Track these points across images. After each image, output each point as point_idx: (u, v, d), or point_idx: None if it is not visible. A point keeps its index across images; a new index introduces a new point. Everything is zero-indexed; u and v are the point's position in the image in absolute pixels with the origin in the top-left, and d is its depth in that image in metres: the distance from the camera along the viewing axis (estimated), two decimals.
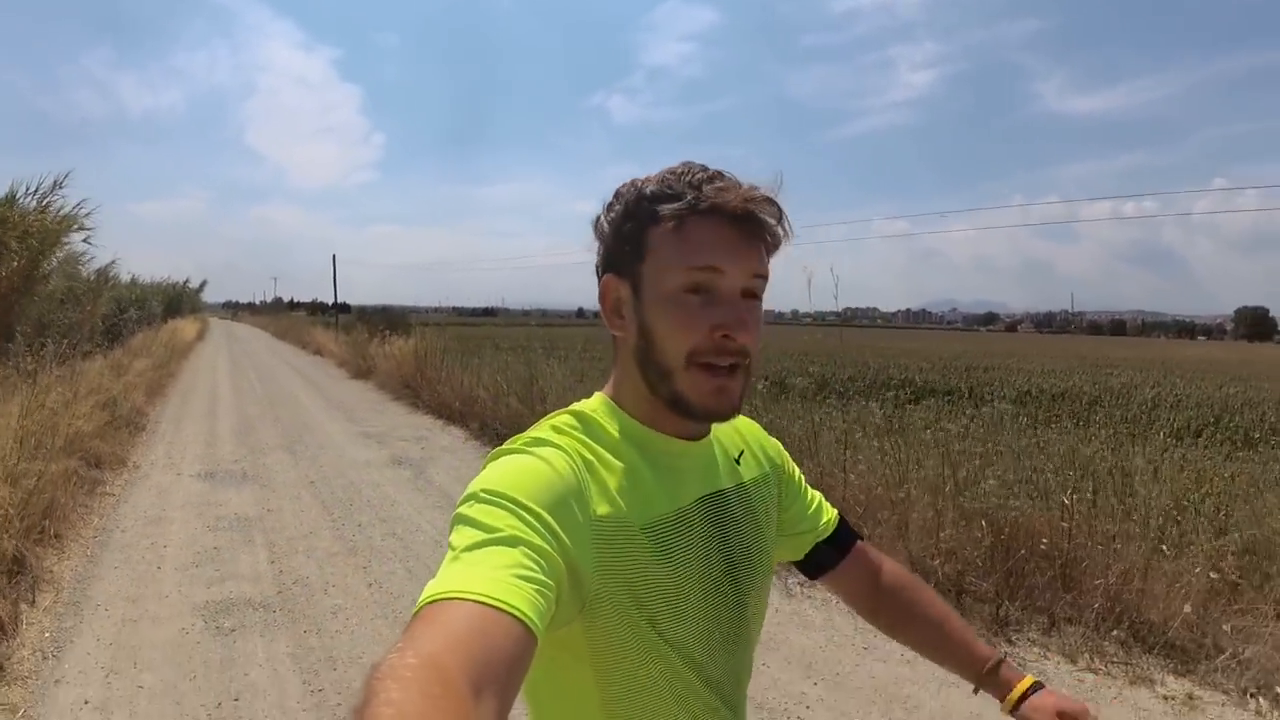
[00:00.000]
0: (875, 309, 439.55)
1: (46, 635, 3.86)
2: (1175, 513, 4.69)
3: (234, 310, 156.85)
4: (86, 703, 3.23)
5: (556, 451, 0.81)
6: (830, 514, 1.17)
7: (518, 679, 0.60)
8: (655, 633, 0.83)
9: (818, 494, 1.18)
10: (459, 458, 8.56)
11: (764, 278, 0.89)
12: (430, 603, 0.61)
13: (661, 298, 0.87)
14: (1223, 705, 3.47)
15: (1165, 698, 3.54)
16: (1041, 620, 4.20)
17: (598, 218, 0.94)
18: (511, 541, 0.68)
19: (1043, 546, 4.37)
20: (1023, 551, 4.36)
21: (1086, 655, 3.87)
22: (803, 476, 1.17)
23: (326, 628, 4.03)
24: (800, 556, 1.14)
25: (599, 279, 0.94)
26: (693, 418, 0.90)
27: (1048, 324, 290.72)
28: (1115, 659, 3.85)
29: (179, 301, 42.84)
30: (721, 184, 0.85)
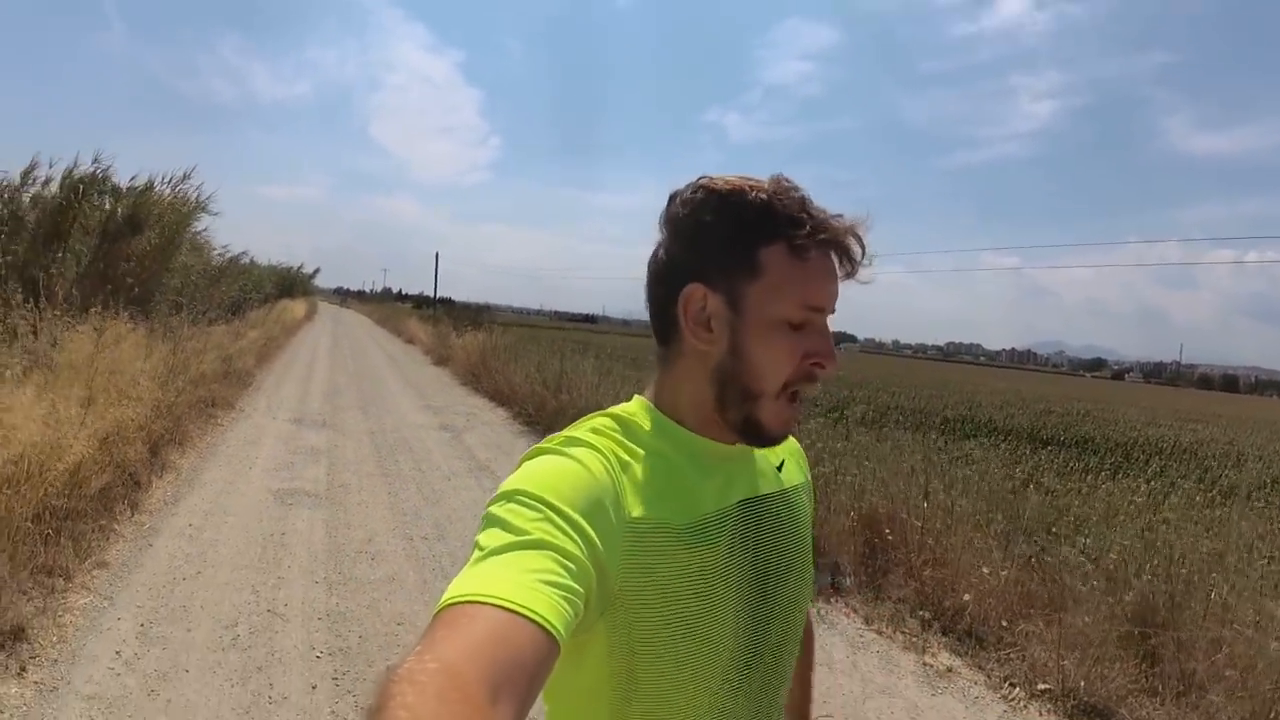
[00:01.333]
0: (979, 345, 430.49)
1: (169, 492, 5.89)
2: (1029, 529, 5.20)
3: (344, 297, 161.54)
4: (190, 524, 5.20)
5: (591, 452, 0.80)
6: None
7: (537, 686, 0.59)
8: (682, 637, 0.81)
9: None
10: (493, 429, 10.51)
11: (834, 311, 0.89)
12: (451, 605, 0.60)
13: (767, 324, 0.84)
14: (974, 684, 3.92)
15: (925, 664, 4.06)
16: (867, 593, 4.98)
17: (675, 213, 0.89)
18: (539, 545, 0.67)
19: (888, 536, 5.29)
20: (877, 539, 5.34)
21: (882, 622, 4.56)
22: None
23: (351, 511, 5.95)
24: None
25: (666, 278, 0.89)
26: (757, 443, 0.90)
27: (1157, 374, 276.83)
28: (906, 629, 4.50)
29: (292, 284, 46.40)
30: (830, 215, 0.85)
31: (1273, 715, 3.34)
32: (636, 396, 0.94)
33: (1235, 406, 55.29)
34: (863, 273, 0.88)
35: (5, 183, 10.14)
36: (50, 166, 10.87)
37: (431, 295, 53.71)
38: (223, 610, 3.92)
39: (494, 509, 0.73)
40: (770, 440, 0.89)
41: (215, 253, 17.96)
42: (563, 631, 0.62)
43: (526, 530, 0.68)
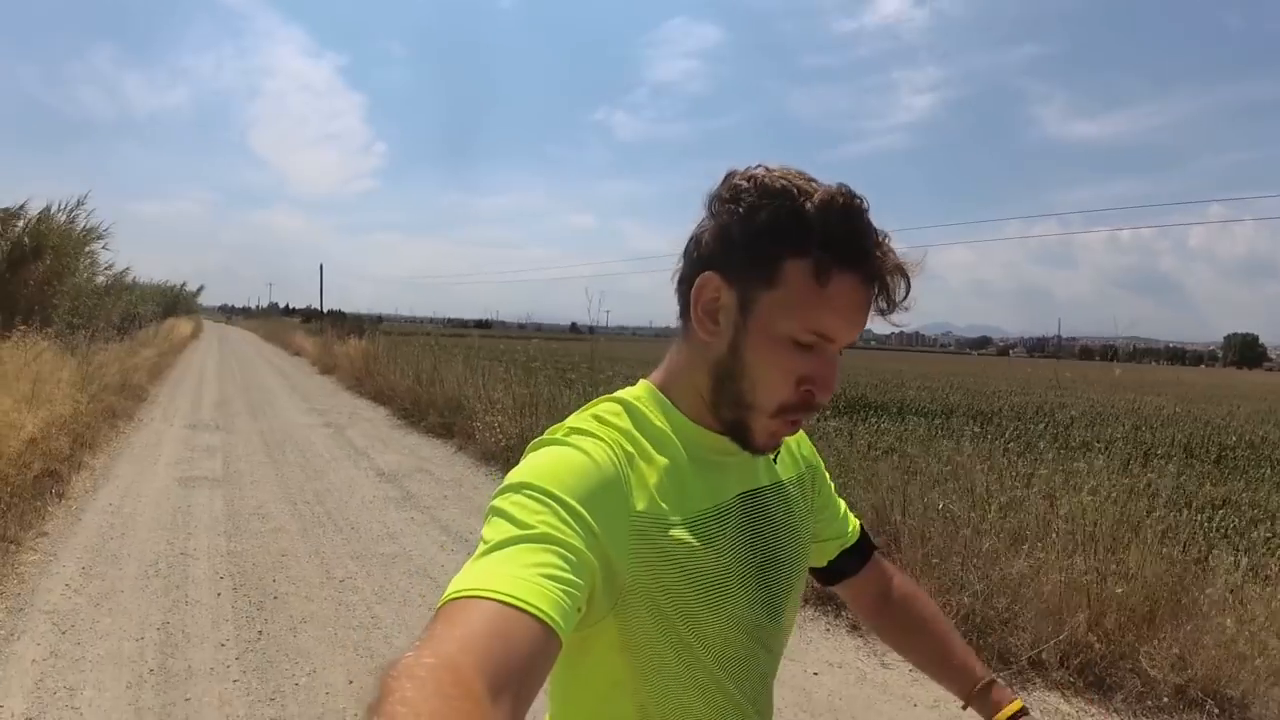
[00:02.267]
0: (869, 330, 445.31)
1: (87, 484, 7.06)
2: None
3: (229, 314, 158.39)
4: (110, 504, 6.41)
5: (597, 443, 0.80)
6: (854, 521, 1.17)
7: (536, 681, 0.60)
8: (687, 628, 0.82)
9: (842, 501, 1.17)
10: (373, 424, 11.76)
11: (852, 345, 0.88)
12: (452, 600, 0.61)
13: (770, 337, 0.83)
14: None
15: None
16: None
17: (719, 195, 0.86)
18: (543, 539, 0.67)
19: None
20: None
21: None
22: (832, 483, 1.15)
23: (245, 488, 7.21)
24: (824, 563, 1.14)
25: (694, 258, 0.88)
26: (743, 446, 0.90)
27: (1040, 349, 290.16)
28: None
29: (176, 302, 46.10)
30: (878, 246, 0.82)
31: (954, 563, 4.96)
32: (643, 381, 0.94)
33: (1102, 373, 59.11)
34: (897, 314, 0.85)
35: None
36: None
37: (319, 308, 53.75)
38: (145, 555, 5.20)
39: (498, 502, 0.72)
40: (755, 450, 0.89)
41: (99, 273, 18.61)
42: (563, 625, 0.62)
43: (530, 524, 0.68)
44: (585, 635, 0.80)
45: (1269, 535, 5.22)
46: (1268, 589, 4.06)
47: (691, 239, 0.89)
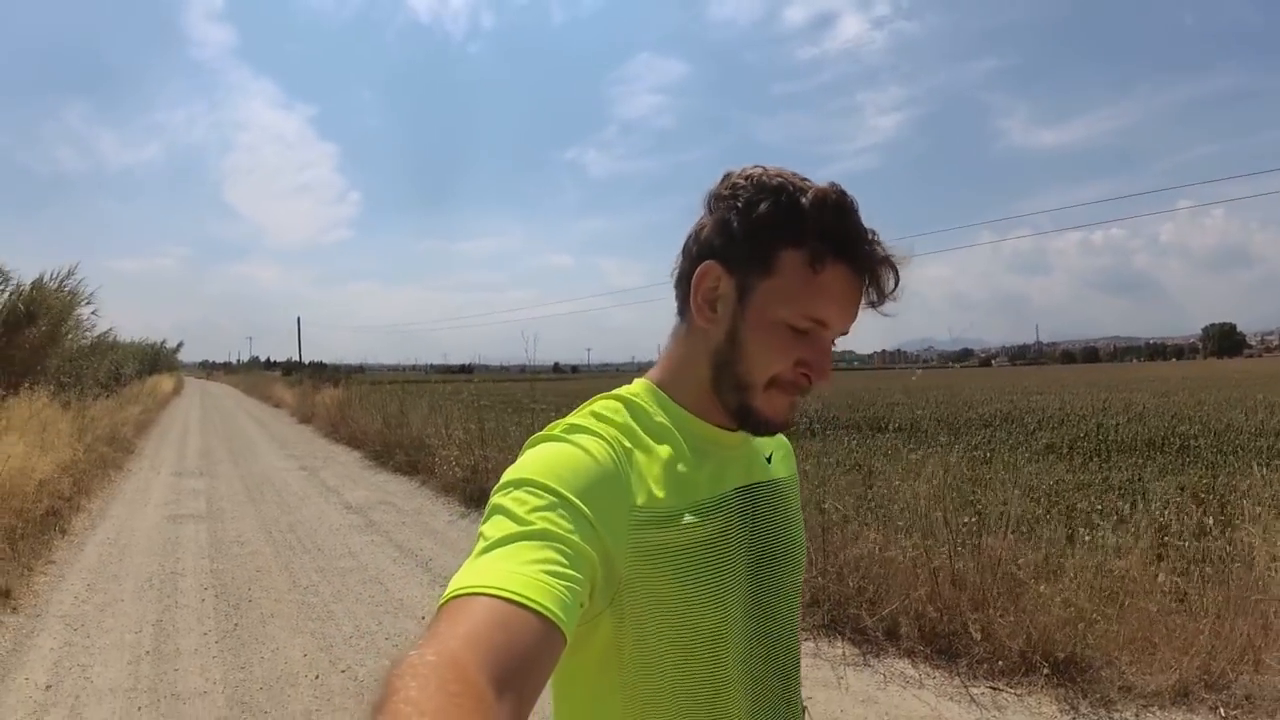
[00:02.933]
0: (851, 351, 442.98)
1: (86, 522, 8.00)
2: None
3: (209, 370, 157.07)
4: (108, 538, 7.36)
5: (595, 439, 0.82)
6: None
7: (540, 677, 0.60)
8: (687, 623, 0.83)
9: None
10: (345, 466, 12.71)
11: (847, 334, 0.91)
12: (455, 597, 0.62)
13: (766, 322, 0.87)
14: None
15: None
16: None
17: (719, 193, 0.91)
18: (543, 535, 0.68)
19: None
20: None
21: None
22: None
23: (226, 522, 8.16)
24: None
25: (694, 251, 0.92)
26: (752, 430, 0.93)
27: (1021, 356, 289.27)
28: None
29: (156, 360, 46.89)
30: (866, 238, 0.86)
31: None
32: (640, 379, 0.97)
33: (1080, 375, 61.64)
34: (888, 305, 0.89)
35: None
36: None
37: (306, 362, 54.77)
38: (141, 574, 6.15)
39: (498, 499, 0.74)
40: (766, 428, 0.91)
41: (85, 334, 19.56)
42: (567, 621, 0.63)
43: (530, 520, 0.69)
44: (582, 629, 0.78)
45: (1092, 509, 6.10)
46: (1077, 558, 4.59)
47: (690, 235, 0.93)
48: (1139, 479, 8.03)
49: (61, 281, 16.20)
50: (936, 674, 4.18)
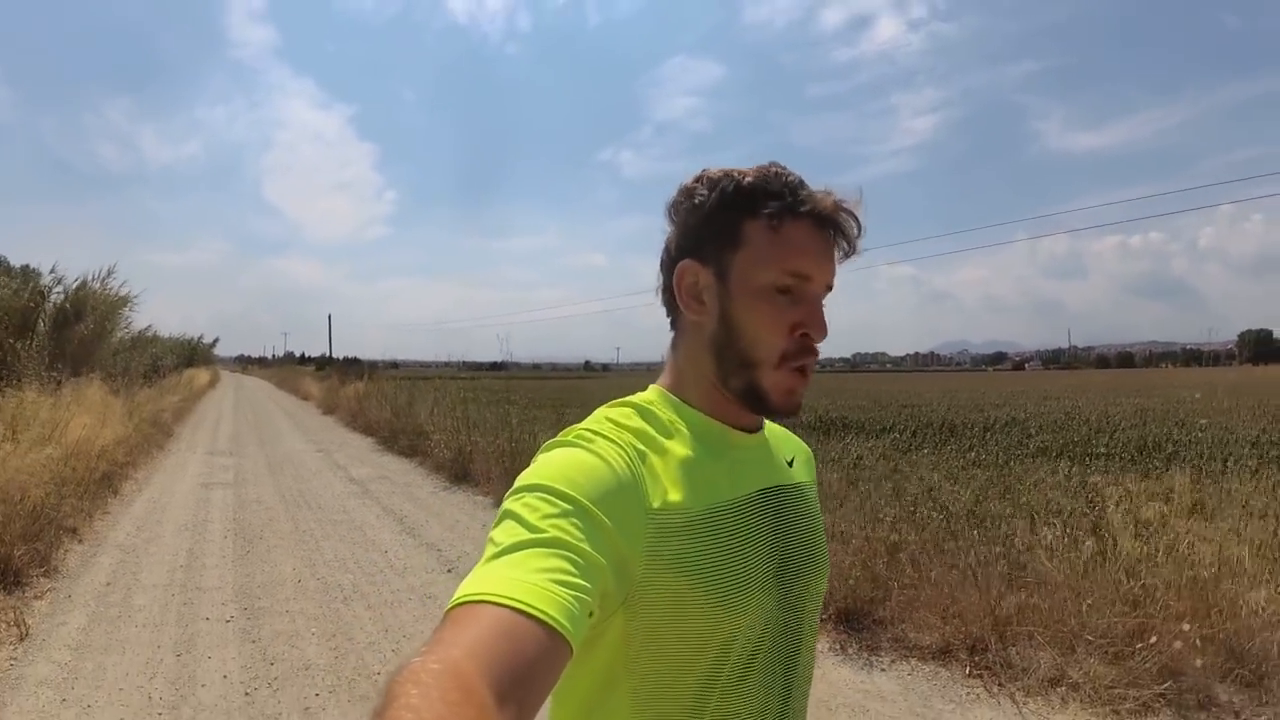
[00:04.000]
0: (884, 353, 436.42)
1: (134, 488, 9.70)
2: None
3: (245, 364, 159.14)
4: (152, 498, 9.05)
5: (609, 444, 0.82)
6: None
7: (543, 687, 0.60)
8: (702, 625, 0.82)
9: None
10: (357, 450, 14.40)
11: (832, 288, 0.92)
12: (461, 604, 0.62)
13: (752, 292, 0.88)
14: None
15: None
16: None
17: (676, 201, 0.95)
18: (553, 543, 0.68)
19: None
20: None
21: None
22: None
23: (249, 489, 9.83)
24: None
25: (669, 261, 0.96)
26: (764, 412, 0.93)
27: (1055, 360, 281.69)
28: None
29: (193, 354, 49.21)
30: (814, 191, 0.89)
31: None
32: (653, 386, 0.97)
33: (1117, 379, 60.84)
34: (859, 253, 0.92)
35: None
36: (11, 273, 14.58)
37: (337, 356, 57.04)
38: (178, 521, 7.81)
39: (510, 504, 0.74)
40: (777, 410, 0.91)
41: (128, 329, 21.51)
42: (573, 631, 0.63)
43: (540, 527, 0.69)
44: (590, 634, 0.76)
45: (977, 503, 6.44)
46: (913, 535, 5.17)
47: (663, 251, 0.97)
48: (1083, 480, 8.08)
49: (103, 281, 18.07)
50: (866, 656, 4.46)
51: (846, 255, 0.92)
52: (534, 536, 0.69)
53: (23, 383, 10.84)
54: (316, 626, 4.80)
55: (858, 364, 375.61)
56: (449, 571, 6.08)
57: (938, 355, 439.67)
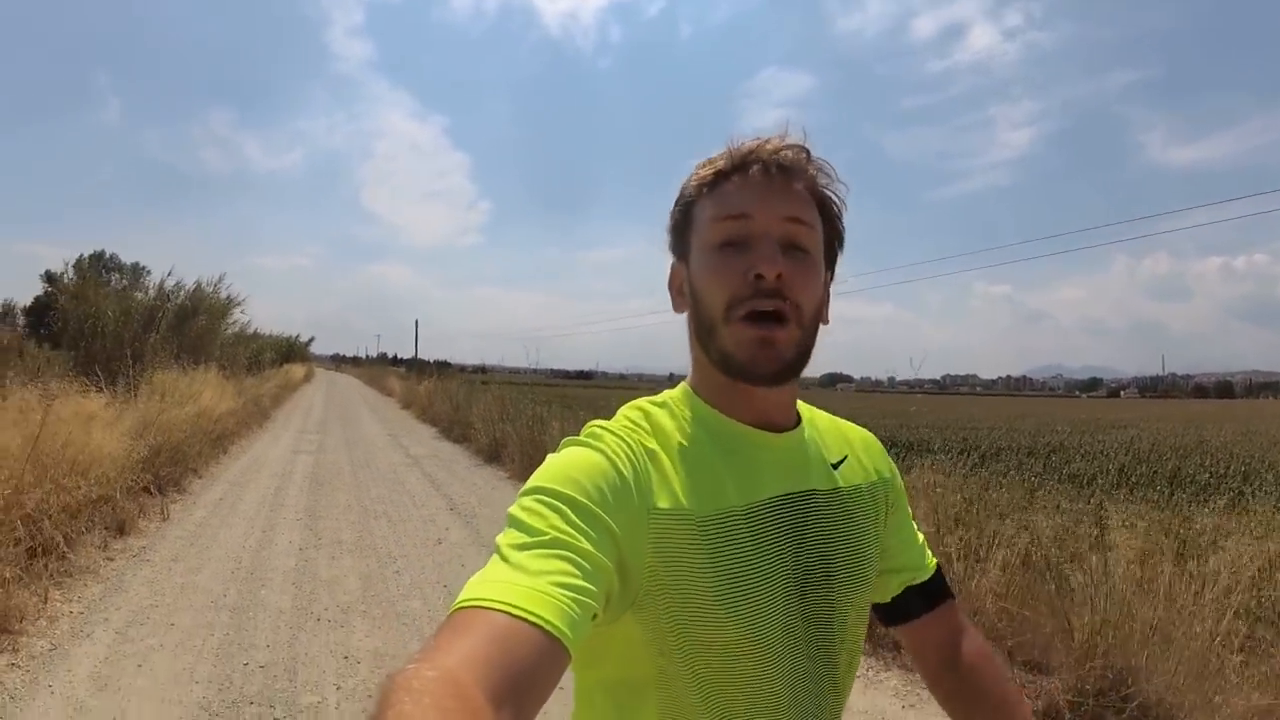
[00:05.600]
0: (974, 375, 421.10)
1: (240, 448, 12.43)
2: None
3: (339, 362, 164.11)
4: (253, 457, 11.73)
5: (618, 442, 0.81)
6: (931, 559, 1.06)
7: (540, 693, 0.60)
8: (706, 634, 0.79)
9: (922, 534, 1.07)
10: (420, 436, 17.04)
11: (804, 223, 0.86)
12: (460, 609, 0.62)
13: (700, 257, 0.87)
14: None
15: None
16: None
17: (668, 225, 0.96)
18: (554, 544, 0.68)
19: None
20: None
21: None
22: (910, 512, 1.07)
23: (327, 457, 12.43)
24: (888, 597, 1.03)
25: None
26: (741, 376, 0.86)
27: (1153, 388, 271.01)
28: None
29: (290, 351, 53.29)
30: (751, 143, 0.87)
31: None
32: (682, 382, 0.95)
33: (1207, 409, 57.51)
34: (835, 179, 0.89)
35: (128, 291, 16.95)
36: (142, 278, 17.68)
37: (427, 359, 60.93)
38: (271, 471, 10.40)
39: (514, 508, 0.73)
40: (748, 370, 0.85)
41: (234, 327, 24.77)
42: (571, 635, 0.62)
43: (543, 531, 0.68)
44: (603, 637, 0.78)
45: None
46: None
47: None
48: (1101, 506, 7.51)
49: (215, 285, 21.19)
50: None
51: (811, 186, 0.88)
52: (534, 539, 0.68)
53: (155, 367, 13.65)
54: (351, 526, 7.26)
55: (947, 386, 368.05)
56: (451, 509, 8.44)
57: (1030, 379, 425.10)
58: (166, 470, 8.21)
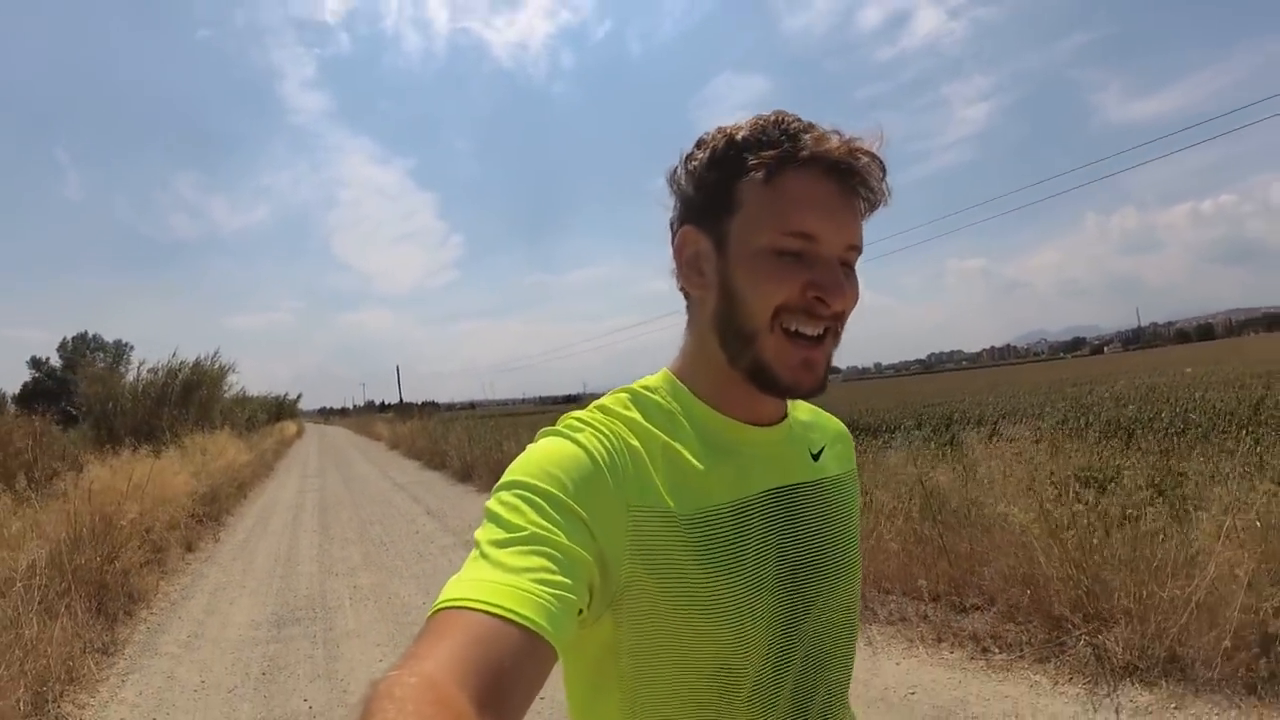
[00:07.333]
0: (959, 350, 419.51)
1: (255, 493, 15.02)
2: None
3: (327, 415, 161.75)
4: (266, 501, 14.33)
5: (594, 433, 0.78)
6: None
7: (525, 691, 0.59)
8: (689, 632, 0.76)
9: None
10: (403, 467, 19.69)
11: (858, 249, 0.82)
12: (440, 611, 0.61)
13: (749, 255, 0.79)
14: None
15: None
16: None
17: (674, 168, 0.86)
18: (533, 540, 0.66)
19: None
20: None
21: None
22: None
23: (329, 493, 15.03)
24: None
25: (674, 233, 0.87)
26: (774, 391, 0.82)
27: (1135, 340, 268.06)
28: None
29: (281, 409, 55.89)
30: (820, 133, 0.78)
31: None
32: (663, 369, 0.90)
33: (1190, 353, 54.62)
34: (889, 200, 0.81)
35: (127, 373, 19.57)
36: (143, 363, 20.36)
37: (414, 401, 63.37)
38: (286, 506, 13.01)
39: (491, 503, 0.71)
40: (789, 388, 0.81)
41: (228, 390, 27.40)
42: (554, 631, 0.61)
43: (520, 526, 0.67)
44: (581, 636, 0.76)
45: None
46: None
47: (670, 231, 0.88)
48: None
49: (212, 359, 23.87)
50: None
51: (872, 207, 0.81)
52: (512, 535, 0.66)
53: (177, 436, 16.18)
54: (353, 529, 9.96)
55: (932, 364, 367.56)
56: (428, 514, 11.01)
57: (1014, 348, 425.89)
58: (206, 509, 10.81)
